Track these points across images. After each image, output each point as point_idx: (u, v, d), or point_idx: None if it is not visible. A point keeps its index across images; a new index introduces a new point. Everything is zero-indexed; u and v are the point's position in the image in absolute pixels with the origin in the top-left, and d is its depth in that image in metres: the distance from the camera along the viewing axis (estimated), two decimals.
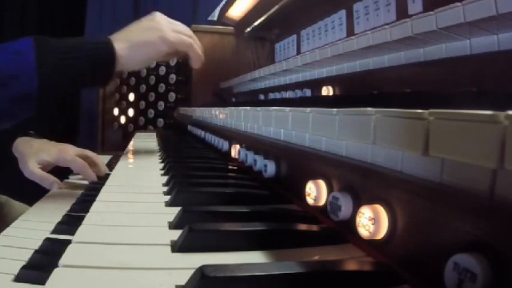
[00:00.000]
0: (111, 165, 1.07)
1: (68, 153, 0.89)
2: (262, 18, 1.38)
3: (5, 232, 0.59)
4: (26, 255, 0.47)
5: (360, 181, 0.41)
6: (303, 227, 0.44)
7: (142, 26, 0.85)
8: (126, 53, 0.78)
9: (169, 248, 0.39)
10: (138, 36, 0.82)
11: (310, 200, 0.48)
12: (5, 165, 0.88)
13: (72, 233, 0.42)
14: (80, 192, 0.81)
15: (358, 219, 0.38)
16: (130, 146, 1.30)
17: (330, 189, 0.46)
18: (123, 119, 2.15)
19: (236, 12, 1.60)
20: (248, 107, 0.69)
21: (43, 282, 0.31)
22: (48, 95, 0.67)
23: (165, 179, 0.70)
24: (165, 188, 0.64)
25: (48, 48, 0.67)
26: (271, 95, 1.22)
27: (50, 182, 0.85)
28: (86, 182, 0.91)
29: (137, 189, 0.66)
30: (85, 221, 0.46)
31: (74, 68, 0.70)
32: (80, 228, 0.43)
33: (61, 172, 0.92)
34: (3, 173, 0.90)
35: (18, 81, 0.62)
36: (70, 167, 0.91)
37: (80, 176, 0.98)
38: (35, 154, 0.86)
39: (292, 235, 0.42)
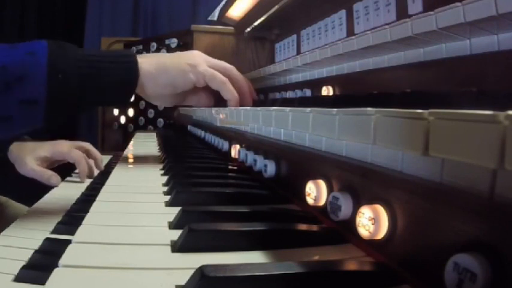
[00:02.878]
0: (111, 165, 1.07)
1: (63, 146, 0.90)
2: (262, 18, 1.38)
3: (5, 232, 0.59)
4: (26, 255, 0.47)
5: (360, 181, 0.41)
6: (303, 227, 0.44)
7: (176, 54, 0.79)
8: (151, 69, 0.70)
9: (169, 248, 0.39)
10: (167, 60, 0.75)
11: (310, 200, 0.48)
12: (6, 169, 0.88)
13: (72, 233, 0.42)
14: (80, 192, 0.81)
15: (358, 219, 0.38)
16: (131, 146, 1.30)
17: (330, 189, 0.46)
18: (123, 119, 2.15)
19: (236, 12, 1.59)
20: (248, 107, 0.69)
21: (43, 282, 0.31)
22: (59, 105, 0.60)
23: (165, 179, 0.70)
24: (165, 188, 0.64)
25: (64, 53, 0.61)
26: (271, 95, 1.22)
27: (48, 176, 0.85)
28: (86, 181, 0.92)
29: (137, 189, 0.66)
30: (85, 221, 0.46)
31: (89, 77, 0.63)
32: (80, 228, 0.43)
33: (61, 171, 0.92)
34: (3, 175, 0.90)
35: (27, 83, 0.57)
36: (67, 159, 0.91)
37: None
38: (31, 152, 0.86)
39: (292, 235, 0.42)
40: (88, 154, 0.96)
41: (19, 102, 0.57)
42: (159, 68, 0.72)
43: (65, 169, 0.98)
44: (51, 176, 0.86)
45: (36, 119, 0.60)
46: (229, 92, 0.80)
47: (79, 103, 0.64)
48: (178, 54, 0.79)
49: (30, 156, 0.86)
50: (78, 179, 0.96)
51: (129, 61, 0.68)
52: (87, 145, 0.97)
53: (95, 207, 0.52)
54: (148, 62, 0.71)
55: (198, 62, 0.77)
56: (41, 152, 0.87)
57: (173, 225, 0.45)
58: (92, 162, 0.98)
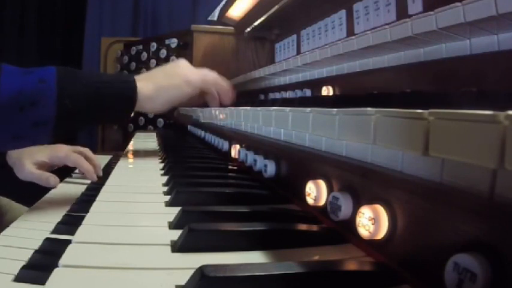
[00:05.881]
0: (111, 165, 1.07)
1: (61, 150, 0.91)
2: (262, 18, 1.38)
3: (5, 232, 0.59)
4: (26, 255, 0.47)
5: (360, 181, 0.41)
6: (303, 227, 0.44)
7: (167, 70, 0.88)
8: (149, 93, 0.80)
9: (169, 248, 0.39)
10: (163, 79, 0.84)
11: (310, 200, 0.48)
12: (4, 171, 0.88)
13: (72, 233, 0.42)
14: (79, 192, 0.81)
15: (358, 219, 0.38)
16: (130, 146, 1.30)
17: (330, 189, 0.46)
18: None
19: (236, 12, 1.59)
20: (248, 107, 0.69)
21: (43, 282, 0.31)
22: (66, 125, 0.68)
23: (165, 179, 0.70)
24: (165, 188, 0.64)
25: (70, 79, 0.68)
26: (271, 95, 1.22)
27: (46, 177, 0.86)
28: (86, 181, 0.92)
29: (137, 189, 0.66)
30: (85, 221, 0.46)
31: (93, 102, 0.71)
32: (80, 228, 0.43)
33: (59, 172, 0.92)
34: (4, 176, 0.90)
35: (39, 108, 0.64)
36: (65, 163, 0.91)
37: (79, 176, 0.98)
38: (29, 156, 0.87)
39: (292, 235, 0.42)
40: (86, 159, 0.96)
41: (31, 124, 0.64)
42: (157, 90, 0.81)
43: (63, 171, 0.98)
44: (49, 178, 0.86)
45: (44, 138, 0.68)
46: (223, 89, 0.95)
47: (82, 123, 0.73)
48: (170, 71, 0.87)
49: (29, 161, 0.86)
50: (78, 180, 0.96)
51: (129, 87, 0.77)
52: (86, 151, 0.97)
53: (95, 207, 0.52)
54: (146, 85, 0.79)
55: (190, 75, 0.87)
56: (39, 156, 0.88)
57: (173, 225, 0.45)
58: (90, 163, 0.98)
